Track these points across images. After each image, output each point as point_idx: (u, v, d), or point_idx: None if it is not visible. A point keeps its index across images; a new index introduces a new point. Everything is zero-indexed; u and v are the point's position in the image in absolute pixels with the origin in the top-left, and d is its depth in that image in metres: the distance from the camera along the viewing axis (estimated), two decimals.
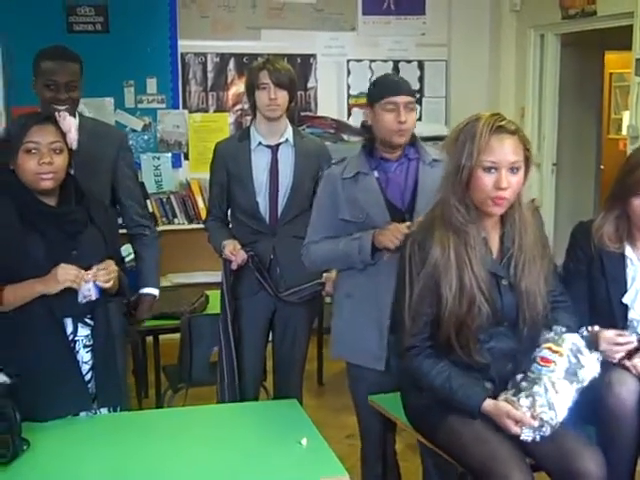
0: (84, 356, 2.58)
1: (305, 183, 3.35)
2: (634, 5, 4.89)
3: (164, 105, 5.78)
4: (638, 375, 2.40)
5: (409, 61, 6.28)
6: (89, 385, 2.59)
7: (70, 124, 2.57)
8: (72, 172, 2.63)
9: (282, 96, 3.24)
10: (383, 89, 2.85)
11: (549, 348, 2.28)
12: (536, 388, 2.23)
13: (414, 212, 2.78)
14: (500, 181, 2.24)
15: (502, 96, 6.27)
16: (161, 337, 4.29)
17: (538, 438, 2.22)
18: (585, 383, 2.26)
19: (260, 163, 3.32)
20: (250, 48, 5.84)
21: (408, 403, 2.54)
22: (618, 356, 2.42)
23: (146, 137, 5.78)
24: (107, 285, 2.50)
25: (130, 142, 5.54)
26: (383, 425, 2.87)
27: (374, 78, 3.19)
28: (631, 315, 2.55)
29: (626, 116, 6.52)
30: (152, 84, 5.74)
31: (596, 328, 2.48)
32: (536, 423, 2.20)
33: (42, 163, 2.46)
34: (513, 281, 2.35)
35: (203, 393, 3.82)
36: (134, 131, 5.73)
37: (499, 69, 6.29)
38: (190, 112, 5.86)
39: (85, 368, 2.58)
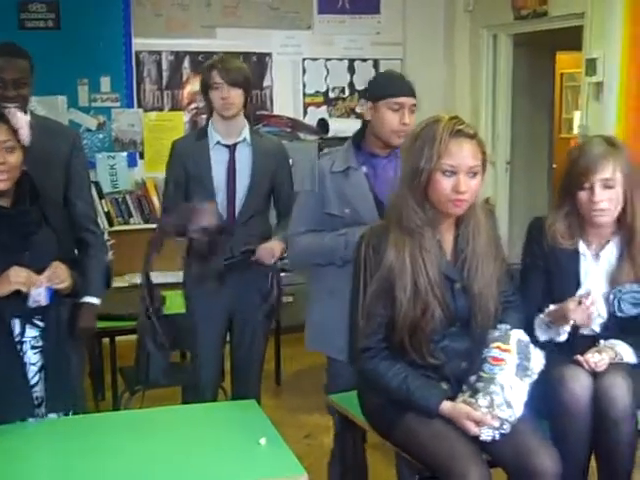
0: (31, 357, 2.54)
1: (263, 183, 3.36)
2: (585, 6, 4.98)
3: (118, 104, 5.73)
4: (591, 370, 2.43)
5: (364, 60, 6.31)
6: (37, 388, 2.55)
7: (21, 120, 2.53)
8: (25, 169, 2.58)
9: (236, 94, 3.24)
10: (390, 87, 2.84)
11: (498, 347, 2.31)
12: (492, 387, 2.26)
13: None
14: (459, 185, 2.26)
15: (456, 95, 6.33)
16: (117, 338, 4.24)
17: (498, 437, 2.25)
18: (535, 377, 2.30)
19: (218, 162, 3.31)
20: (205, 46, 5.81)
21: (365, 402, 2.55)
22: (594, 317, 2.47)
23: (101, 136, 5.72)
24: (62, 285, 2.47)
25: (85, 141, 5.51)
26: (341, 424, 2.88)
27: (376, 73, 3.17)
28: None
29: (577, 116, 6.64)
30: (106, 82, 5.68)
31: (552, 307, 2.52)
32: (497, 423, 2.23)
33: None
34: (466, 284, 2.37)
35: (161, 395, 3.80)
36: (89, 130, 5.66)
37: (454, 68, 6.35)
38: (145, 111, 5.81)
39: (33, 370, 2.54)
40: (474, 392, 2.30)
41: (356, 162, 2.85)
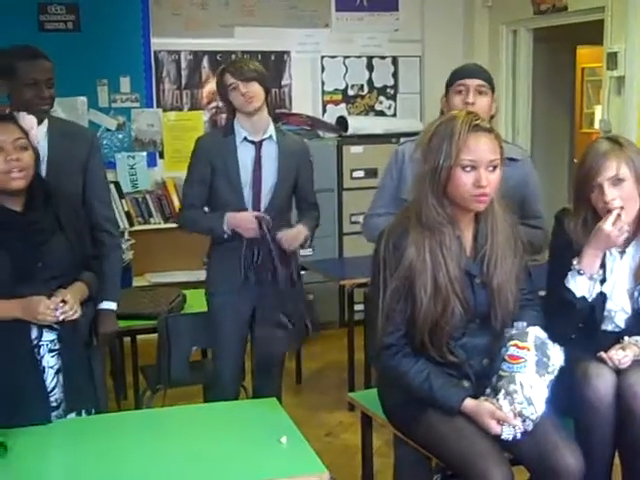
0: (49, 361, 2.53)
1: (287, 180, 3.37)
2: (605, 0, 4.93)
3: (138, 104, 5.74)
4: (614, 367, 2.41)
5: (383, 57, 6.30)
6: (55, 391, 2.55)
7: (31, 122, 2.54)
8: (42, 174, 2.59)
9: (254, 87, 3.24)
10: (455, 74, 2.95)
11: (515, 345, 2.29)
12: (512, 386, 2.24)
13: None
14: (480, 179, 2.26)
15: None
16: (139, 337, 4.26)
17: (519, 435, 2.24)
18: (555, 373, 2.28)
19: (245, 158, 3.32)
20: (224, 45, 5.83)
21: (386, 399, 2.54)
22: (624, 365, 2.43)
23: (120, 136, 5.74)
24: (76, 316, 2.49)
25: (104, 142, 5.58)
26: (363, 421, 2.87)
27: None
28: (609, 305, 2.56)
29: (598, 110, 6.59)
30: (125, 83, 5.70)
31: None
32: (519, 422, 2.22)
33: (9, 160, 2.42)
34: (485, 279, 2.36)
35: (182, 393, 3.82)
36: (108, 130, 5.68)
37: None
38: (164, 111, 5.82)
39: (50, 373, 2.54)
40: (495, 392, 2.29)
41: None
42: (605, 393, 2.36)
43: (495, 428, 2.23)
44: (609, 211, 2.47)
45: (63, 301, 2.48)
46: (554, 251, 2.68)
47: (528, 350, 2.27)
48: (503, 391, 2.26)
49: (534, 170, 3.13)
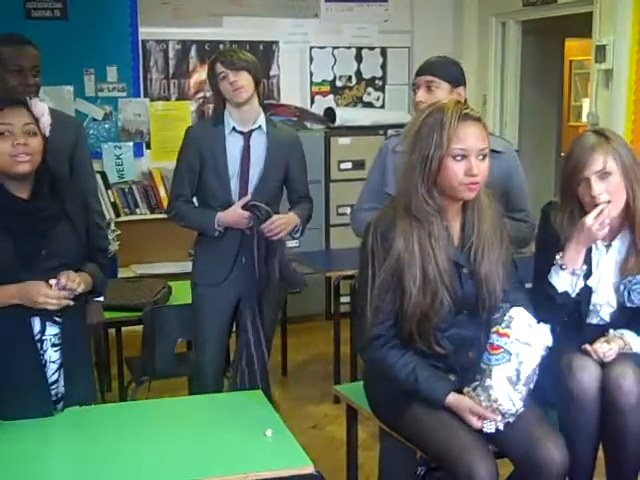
0: (52, 355, 2.51)
1: (276, 172, 3.35)
2: None
3: (125, 93, 5.70)
4: (599, 360, 2.41)
5: (372, 48, 6.28)
6: (56, 384, 2.53)
7: (43, 109, 2.51)
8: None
9: (243, 77, 3.22)
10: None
11: (497, 332, 2.26)
12: (488, 381, 2.23)
13: None
14: (472, 168, 2.26)
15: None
16: (123, 329, 4.25)
17: (501, 427, 2.24)
18: (538, 360, 2.25)
19: (233, 149, 3.31)
20: (212, 35, 5.79)
21: (372, 392, 2.54)
22: (609, 358, 2.42)
23: (107, 126, 5.70)
24: (80, 288, 2.44)
25: (91, 131, 5.55)
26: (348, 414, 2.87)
27: None
28: (594, 299, 2.56)
29: (586, 103, 6.59)
30: (112, 72, 5.65)
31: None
32: (498, 417, 2.22)
33: (17, 144, 2.38)
34: (473, 269, 2.36)
35: (167, 385, 3.81)
36: (95, 120, 5.64)
37: (461, 56, 6.28)
38: (151, 100, 5.78)
39: (53, 367, 2.52)
40: (477, 385, 2.28)
41: None
42: (589, 386, 2.36)
43: (475, 423, 2.24)
44: (596, 205, 2.47)
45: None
46: (540, 245, 2.67)
47: (508, 337, 2.24)
48: (481, 385, 2.25)
49: (519, 163, 3.12)
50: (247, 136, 3.31)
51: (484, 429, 2.23)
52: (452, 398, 2.28)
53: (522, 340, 2.24)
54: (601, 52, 4.88)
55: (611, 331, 2.51)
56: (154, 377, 3.65)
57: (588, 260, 2.57)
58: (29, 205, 2.46)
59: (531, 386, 2.26)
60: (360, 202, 3.16)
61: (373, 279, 2.33)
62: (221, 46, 5.67)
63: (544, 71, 6.22)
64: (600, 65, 4.92)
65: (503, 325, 2.26)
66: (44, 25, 5.31)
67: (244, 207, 3.25)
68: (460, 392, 2.31)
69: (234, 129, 3.31)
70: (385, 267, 2.31)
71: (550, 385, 2.40)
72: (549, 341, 2.28)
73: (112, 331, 4.30)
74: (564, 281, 2.50)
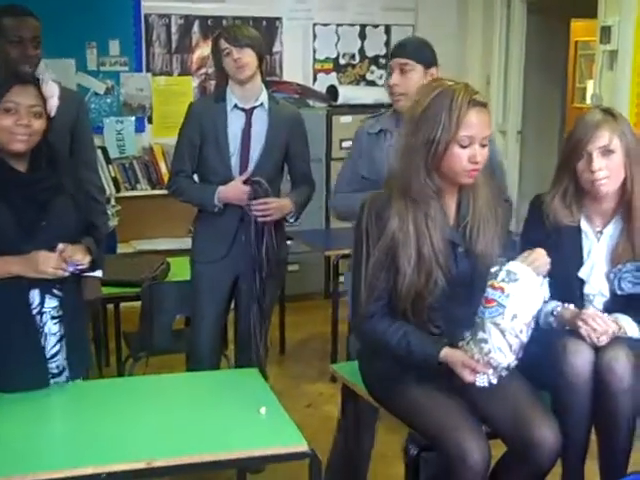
0: (52, 328, 2.51)
1: (276, 149, 3.33)
2: None
3: (127, 68, 5.68)
4: (592, 344, 2.41)
5: (376, 26, 6.24)
6: (57, 357, 2.53)
7: (53, 90, 2.50)
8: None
9: (247, 54, 3.21)
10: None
11: (491, 285, 2.23)
12: (480, 334, 2.21)
13: None
14: (476, 156, 2.26)
15: (469, 63, 6.26)
16: (122, 305, 4.25)
17: (494, 381, 2.23)
18: (534, 312, 2.24)
19: (235, 125, 3.29)
20: (215, 10, 5.76)
21: (365, 371, 2.55)
22: (603, 342, 2.40)
23: (109, 100, 5.68)
24: (86, 261, 2.45)
25: (92, 105, 5.52)
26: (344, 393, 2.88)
27: None
28: (587, 290, 2.56)
29: (590, 85, 6.55)
30: (115, 46, 5.63)
31: (571, 306, 2.48)
32: (490, 370, 2.21)
33: (19, 124, 2.38)
34: (469, 247, 2.36)
35: (165, 362, 3.82)
36: (97, 94, 5.62)
37: (466, 35, 6.27)
38: (154, 75, 5.76)
39: (52, 340, 2.52)
40: (470, 338, 2.27)
41: (393, 125, 2.87)
42: (583, 369, 2.36)
43: (467, 377, 2.23)
44: (593, 182, 2.46)
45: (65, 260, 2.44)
46: (523, 241, 2.63)
47: (502, 291, 2.20)
48: (474, 338, 2.24)
49: (496, 143, 3.12)
50: (249, 113, 3.30)
51: (477, 383, 2.23)
52: (445, 352, 2.27)
53: (517, 293, 2.20)
54: (606, 33, 4.85)
55: (605, 315, 2.50)
56: (152, 353, 3.66)
57: (579, 249, 2.57)
58: (27, 176, 2.47)
59: (525, 340, 2.23)
60: (338, 186, 3.15)
61: (367, 258, 2.33)
62: (224, 22, 5.64)
63: (549, 52, 6.17)
64: (605, 46, 4.89)
65: (498, 279, 2.23)
66: None
67: (245, 183, 3.24)
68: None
69: (236, 106, 3.29)
70: (379, 246, 2.31)
71: (543, 367, 2.40)
72: (547, 294, 2.26)
73: (110, 306, 4.31)
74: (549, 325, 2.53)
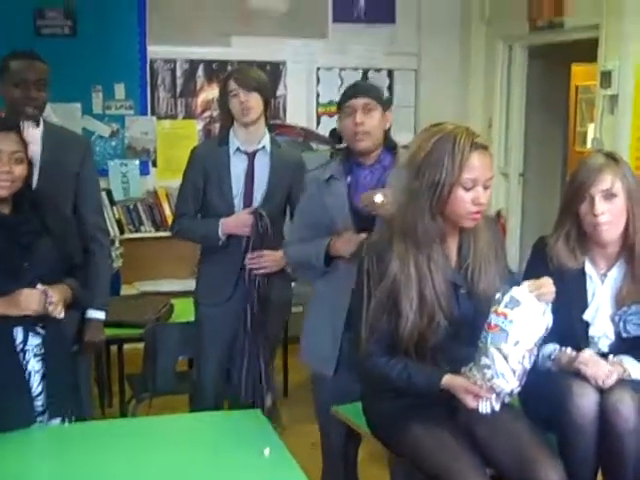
0: (35, 365, 2.53)
1: (278, 193, 3.36)
2: (600, 18, 4.95)
3: (132, 111, 5.73)
4: (597, 386, 2.40)
5: (379, 69, 6.29)
6: (41, 396, 2.54)
7: (34, 136, 2.56)
8: (33, 184, 2.60)
9: (253, 98, 3.24)
10: (344, 95, 2.90)
11: (495, 311, 2.22)
12: (484, 360, 2.20)
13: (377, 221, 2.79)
14: (479, 198, 2.28)
15: (471, 106, 6.31)
16: (125, 346, 4.25)
17: (497, 408, 2.22)
18: (537, 339, 2.22)
19: (238, 168, 3.32)
20: (220, 54, 5.82)
21: (369, 412, 2.54)
22: (608, 384, 2.40)
23: (114, 143, 5.73)
24: (60, 316, 2.48)
25: (97, 148, 5.57)
26: (345, 436, 2.86)
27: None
28: (592, 332, 2.56)
29: (591, 128, 6.59)
30: (120, 90, 5.69)
31: (568, 350, 2.49)
32: (492, 395, 2.20)
33: (1, 171, 2.45)
34: (470, 287, 2.37)
35: (168, 403, 3.80)
36: (102, 137, 5.67)
37: (468, 79, 6.33)
38: (158, 119, 5.82)
39: (37, 378, 2.53)
40: (473, 364, 2.26)
41: (341, 172, 2.88)
42: (588, 411, 2.36)
43: (470, 403, 2.22)
44: (595, 226, 2.47)
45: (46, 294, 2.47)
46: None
47: (505, 317, 2.19)
48: (476, 364, 2.23)
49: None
50: (251, 156, 3.33)
51: (479, 409, 2.22)
52: (447, 379, 2.27)
53: (520, 319, 2.19)
54: (606, 78, 4.89)
55: (610, 357, 2.50)
56: (155, 394, 3.65)
57: (583, 291, 2.57)
58: (10, 220, 2.51)
59: (528, 366, 2.21)
60: (290, 234, 3.12)
61: (369, 300, 2.35)
62: (229, 66, 5.70)
63: (550, 96, 6.23)
64: (605, 91, 4.93)
65: (502, 304, 2.22)
66: (53, 42, 5.36)
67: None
68: None
69: (238, 149, 3.32)
70: (380, 288, 2.32)
71: (548, 409, 2.40)
72: (550, 321, 2.24)
73: (114, 348, 4.30)
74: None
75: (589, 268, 2.59)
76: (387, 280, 2.31)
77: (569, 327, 2.52)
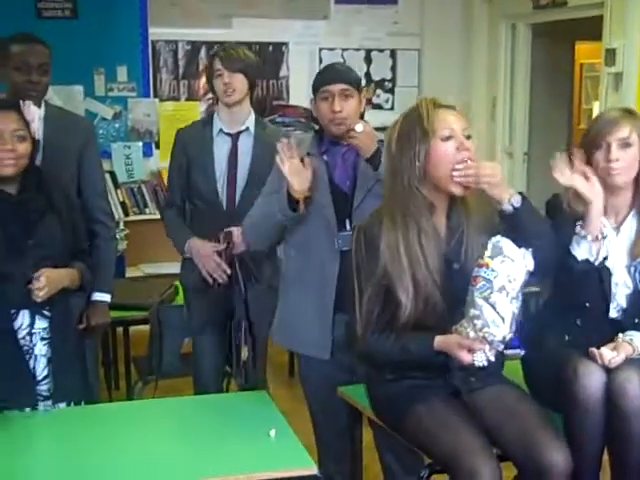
0: (41, 349, 2.54)
1: (262, 173, 3.16)
2: None
3: (135, 93, 5.72)
4: (604, 365, 2.40)
5: (381, 50, 6.27)
6: (47, 379, 2.55)
7: (34, 113, 2.55)
8: (37, 163, 2.60)
9: (237, 80, 3.18)
10: (320, 78, 2.84)
11: (477, 264, 2.24)
12: (472, 311, 2.21)
13: (355, 194, 2.78)
14: (462, 143, 2.30)
15: (474, 86, 6.28)
16: (131, 328, 4.26)
17: (492, 358, 2.23)
18: (520, 283, 2.22)
19: (221, 150, 3.27)
20: (221, 36, 5.77)
21: (373, 394, 2.54)
22: (614, 364, 2.39)
23: (117, 126, 5.72)
24: (38, 299, 2.46)
25: (100, 131, 5.56)
26: (348, 418, 2.87)
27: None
28: (614, 278, 2.56)
29: (596, 106, 6.57)
30: (122, 72, 5.68)
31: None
32: (486, 346, 2.20)
33: (4, 149, 2.45)
34: (464, 262, 2.36)
35: (174, 385, 3.81)
36: (104, 119, 5.66)
37: (471, 59, 6.30)
38: (161, 100, 5.80)
39: (43, 362, 2.55)
40: (463, 320, 2.26)
41: (317, 150, 2.84)
42: (595, 391, 2.35)
43: (465, 357, 2.22)
44: (609, 172, 2.51)
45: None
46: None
47: (487, 266, 2.21)
48: (466, 317, 2.23)
49: None
50: (234, 138, 3.27)
51: (475, 362, 2.22)
52: (439, 339, 2.28)
53: (501, 266, 2.20)
54: (611, 55, 4.87)
55: (620, 335, 2.49)
56: (161, 376, 3.66)
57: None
58: (16, 197, 2.53)
59: (516, 311, 2.21)
60: (254, 210, 2.94)
61: (361, 295, 2.36)
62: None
63: (554, 74, 6.20)
64: (610, 68, 4.91)
65: (484, 257, 2.24)
66: (55, 24, 5.34)
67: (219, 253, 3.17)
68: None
69: (221, 130, 3.27)
70: (372, 282, 2.34)
71: (554, 389, 2.40)
72: (530, 265, 2.24)
73: (120, 330, 4.32)
74: (583, 248, 2.51)
75: (603, 219, 2.59)
76: (378, 271, 2.33)
77: (587, 272, 2.52)
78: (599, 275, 2.53)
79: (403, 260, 2.31)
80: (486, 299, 2.19)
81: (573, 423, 2.39)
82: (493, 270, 2.20)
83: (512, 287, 2.20)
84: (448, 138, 2.30)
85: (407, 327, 2.32)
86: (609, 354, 2.40)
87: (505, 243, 2.23)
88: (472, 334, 2.20)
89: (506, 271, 2.20)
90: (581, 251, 2.51)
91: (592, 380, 2.36)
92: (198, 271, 3.25)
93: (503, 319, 2.19)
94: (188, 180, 3.32)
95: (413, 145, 2.30)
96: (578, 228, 2.52)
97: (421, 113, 2.31)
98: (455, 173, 2.29)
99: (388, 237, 2.32)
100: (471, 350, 2.21)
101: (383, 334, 2.36)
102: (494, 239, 2.25)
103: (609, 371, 2.39)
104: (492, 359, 2.23)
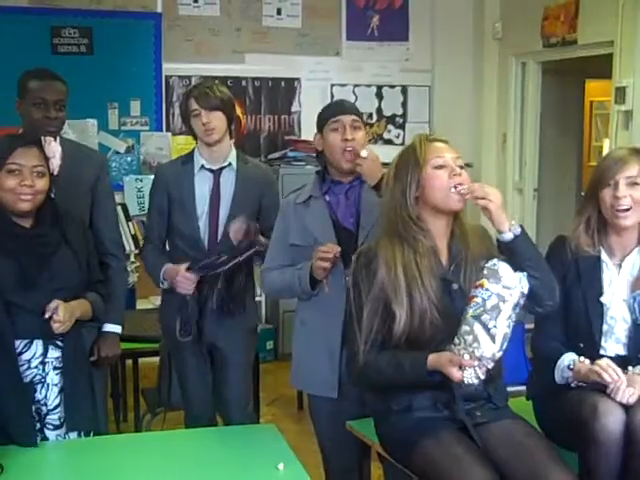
0: (54, 378, 2.56)
1: (245, 210, 3.17)
2: (614, 34, 4.95)
3: (147, 127, 5.79)
4: (621, 403, 2.37)
5: (392, 86, 6.33)
6: (59, 409, 2.56)
7: (55, 150, 2.59)
8: (52, 196, 2.63)
9: (216, 118, 3.13)
10: (328, 112, 2.88)
11: (474, 286, 2.28)
12: (464, 328, 2.23)
13: (359, 231, 2.81)
14: (454, 169, 2.39)
15: (485, 122, 6.32)
16: (140, 360, 4.26)
17: (482, 376, 2.23)
18: (513, 304, 2.23)
19: (202, 187, 3.22)
20: (234, 71, 5.87)
21: (381, 428, 2.54)
22: (632, 401, 2.38)
23: (129, 159, 5.77)
24: (60, 330, 2.49)
25: (113, 164, 5.61)
26: (357, 454, 2.86)
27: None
28: (610, 313, 2.58)
29: (606, 144, 6.58)
30: (136, 106, 5.75)
31: (586, 361, 2.48)
32: (475, 362, 2.21)
33: (23, 184, 2.48)
34: (463, 284, 2.39)
35: (182, 417, 3.80)
36: (117, 153, 5.72)
37: (482, 95, 6.35)
38: (173, 135, 5.86)
39: (55, 391, 2.56)
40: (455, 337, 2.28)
41: (319, 191, 2.86)
42: (614, 429, 2.32)
43: (455, 375, 2.22)
44: (616, 211, 2.52)
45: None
46: None
47: (482, 286, 2.24)
48: (459, 334, 2.24)
49: None
50: (217, 174, 3.23)
51: (465, 380, 2.22)
52: (432, 357, 2.29)
53: (495, 287, 2.23)
54: (621, 93, 4.90)
55: (630, 368, 2.48)
56: (169, 408, 3.65)
57: (599, 277, 2.61)
58: (31, 231, 2.56)
59: (508, 332, 2.23)
60: (267, 261, 2.97)
61: (361, 310, 2.39)
62: (244, 82, 5.74)
63: (564, 111, 6.23)
64: (620, 106, 4.93)
65: (478, 277, 2.29)
66: (70, 60, 5.42)
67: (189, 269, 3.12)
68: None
69: (203, 167, 3.22)
70: (371, 297, 2.38)
71: (568, 427, 2.39)
72: (526, 288, 2.27)
73: (129, 362, 4.32)
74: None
75: (604, 256, 2.63)
76: (375, 287, 2.37)
77: (584, 311, 2.57)
78: (588, 320, 2.57)
79: (399, 275, 2.36)
80: (478, 317, 2.22)
81: (591, 461, 2.35)
82: (487, 290, 2.24)
83: (505, 307, 2.23)
84: (440, 167, 2.39)
85: (402, 340, 2.35)
86: (627, 390, 2.38)
87: (501, 265, 2.28)
88: (462, 350, 2.22)
89: (500, 292, 2.23)
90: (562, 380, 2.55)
91: (612, 418, 2.33)
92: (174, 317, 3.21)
93: (493, 337, 2.21)
94: (169, 219, 3.26)
95: (407, 174, 2.40)
96: (569, 373, 2.52)
97: (416, 147, 2.43)
98: (454, 190, 2.38)
99: (386, 254, 2.39)
100: (461, 367, 2.22)
101: (380, 353, 2.38)
102: (491, 262, 2.30)
103: (627, 409, 2.36)
104: (482, 377, 2.24)
